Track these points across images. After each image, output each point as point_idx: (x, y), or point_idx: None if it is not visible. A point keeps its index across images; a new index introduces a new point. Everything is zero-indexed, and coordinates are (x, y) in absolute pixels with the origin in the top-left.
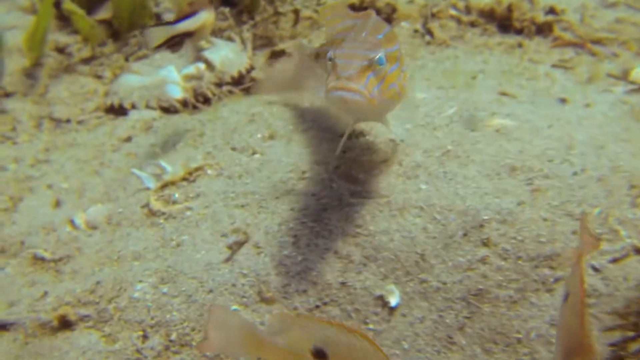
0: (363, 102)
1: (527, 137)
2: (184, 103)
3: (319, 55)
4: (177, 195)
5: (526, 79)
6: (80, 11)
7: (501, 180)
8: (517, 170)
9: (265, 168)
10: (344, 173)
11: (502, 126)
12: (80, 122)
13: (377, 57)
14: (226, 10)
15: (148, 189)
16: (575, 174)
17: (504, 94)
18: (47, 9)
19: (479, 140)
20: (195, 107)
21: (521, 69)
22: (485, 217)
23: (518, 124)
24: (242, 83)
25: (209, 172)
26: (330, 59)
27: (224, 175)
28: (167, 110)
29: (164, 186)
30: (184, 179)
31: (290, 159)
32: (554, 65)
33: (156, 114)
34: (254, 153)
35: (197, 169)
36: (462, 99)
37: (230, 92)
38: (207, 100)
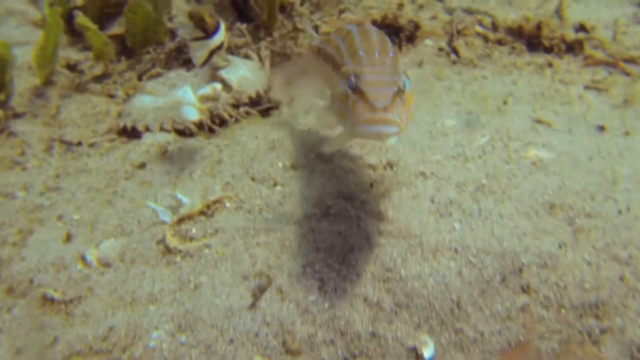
0: (397, 132)
1: (566, 171)
2: (200, 125)
3: (319, 50)
4: (194, 230)
5: (560, 103)
6: (94, 27)
7: (540, 219)
8: (556, 208)
9: (288, 202)
10: (372, 209)
11: (539, 158)
12: (92, 145)
13: (404, 81)
14: (243, 26)
15: (164, 222)
16: (619, 212)
17: (538, 121)
18: (55, 21)
19: (515, 174)
20: (211, 130)
21: (553, 91)
22: (525, 261)
23: (556, 155)
24: (260, 104)
25: (228, 205)
26: (353, 87)
27: (244, 208)
28: (183, 132)
29: (181, 220)
30: (202, 212)
31: (313, 191)
32: (587, 87)
33: (171, 137)
34: (275, 184)
35: (215, 202)
36: (495, 126)
37: (248, 113)
38: (223, 122)
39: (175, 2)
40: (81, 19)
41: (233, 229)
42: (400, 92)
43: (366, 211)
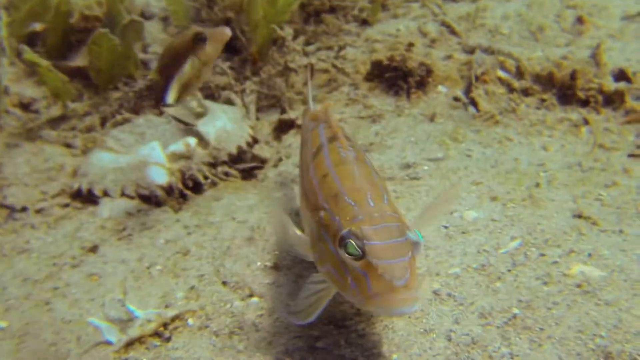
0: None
1: (622, 300)
2: (169, 190)
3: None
4: None
5: (603, 184)
6: (45, 63)
7: None
8: (614, 359)
9: (265, 325)
10: (370, 348)
11: (586, 278)
12: (39, 212)
13: (419, 243)
14: (225, 65)
15: (108, 343)
16: None
17: (580, 216)
18: None
19: (555, 302)
20: (182, 195)
21: (592, 161)
22: None
23: (606, 274)
24: (243, 160)
25: (191, 322)
26: (357, 256)
27: (209, 329)
28: (148, 199)
29: (130, 344)
30: (157, 333)
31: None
32: (631, 155)
33: (133, 204)
34: (251, 295)
35: (174, 319)
36: (527, 224)
37: (227, 174)
38: (197, 185)
39: (151, 30)
40: (29, 54)
41: None
42: (413, 255)
43: (363, 350)
